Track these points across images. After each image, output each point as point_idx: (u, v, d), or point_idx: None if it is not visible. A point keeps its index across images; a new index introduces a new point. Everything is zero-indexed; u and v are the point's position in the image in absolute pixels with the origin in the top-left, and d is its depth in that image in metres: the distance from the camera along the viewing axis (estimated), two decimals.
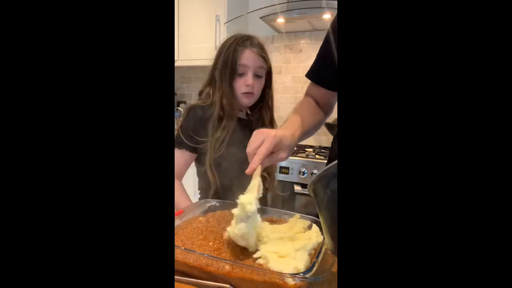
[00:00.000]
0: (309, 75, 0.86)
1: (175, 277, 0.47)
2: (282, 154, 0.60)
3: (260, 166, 0.55)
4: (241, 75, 0.90)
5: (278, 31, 2.23)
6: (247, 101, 0.93)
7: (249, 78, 0.90)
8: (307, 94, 0.87)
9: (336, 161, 0.39)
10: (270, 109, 1.02)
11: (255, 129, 0.64)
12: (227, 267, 0.47)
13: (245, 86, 0.90)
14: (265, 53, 0.94)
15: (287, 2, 1.92)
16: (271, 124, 1.02)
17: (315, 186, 0.44)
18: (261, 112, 1.01)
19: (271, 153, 0.57)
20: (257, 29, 2.21)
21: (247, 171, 0.56)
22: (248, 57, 0.90)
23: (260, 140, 0.57)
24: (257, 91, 0.94)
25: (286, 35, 2.25)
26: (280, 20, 1.94)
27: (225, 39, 0.96)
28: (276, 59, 2.30)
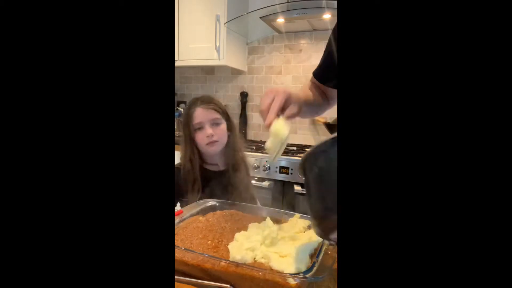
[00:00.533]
0: (315, 73, 0.90)
1: (175, 277, 0.47)
2: (293, 109, 0.64)
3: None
4: (200, 129, 1.00)
5: (278, 31, 2.23)
6: (214, 149, 1.01)
7: (207, 129, 0.99)
8: (312, 80, 0.91)
9: (324, 138, 0.38)
10: (235, 150, 1.07)
11: (218, 176, 0.96)
12: (227, 265, 0.47)
13: (206, 137, 0.99)
14: (216, 104, 1.04)
15: (287, 2, 1.92)
16: (235, 167, 1.06)
17: (304, 165, 0.42)
18: (224, 156, 1.07)
19: (283, 108, 0.62)
20: (257, 29, 2.21)
21: (266, 123, 0.60)
22: (199, 115, 1.00)
23: (271, 97, 0.61)
24: (220, 137, 1.02)
25: (286, 35, 2.24)
26: (280, 20, 1.94)
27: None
28: (276, 59, 2.30)
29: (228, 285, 0.47)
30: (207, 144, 1.00)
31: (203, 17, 2.06)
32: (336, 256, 0.50)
